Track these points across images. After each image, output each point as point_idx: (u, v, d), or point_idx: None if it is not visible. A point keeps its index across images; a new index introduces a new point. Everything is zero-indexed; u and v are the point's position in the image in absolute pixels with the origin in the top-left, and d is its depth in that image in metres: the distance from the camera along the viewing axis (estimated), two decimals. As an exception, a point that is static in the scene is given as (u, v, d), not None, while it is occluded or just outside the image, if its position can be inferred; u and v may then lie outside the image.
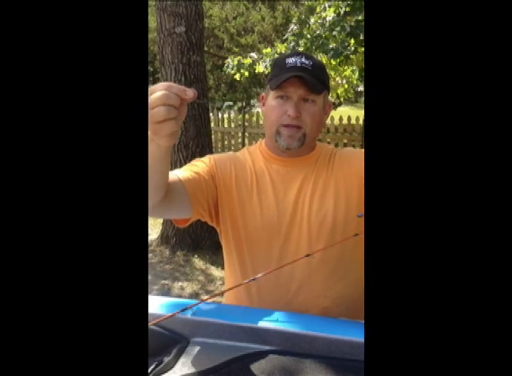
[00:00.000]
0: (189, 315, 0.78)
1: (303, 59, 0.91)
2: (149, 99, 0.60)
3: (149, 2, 7.77)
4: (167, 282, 2.89)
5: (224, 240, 1.02)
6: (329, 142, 6.02)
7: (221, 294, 0.81)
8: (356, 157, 0.97)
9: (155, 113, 0.59)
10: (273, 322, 0.79)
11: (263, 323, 0.78)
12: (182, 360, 0.70)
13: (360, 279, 1.00)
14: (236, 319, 0.79)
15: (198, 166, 0.96)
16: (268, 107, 0.94)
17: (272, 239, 0.94)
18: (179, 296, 2.63)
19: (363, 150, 1.01)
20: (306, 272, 0.94)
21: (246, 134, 6.58)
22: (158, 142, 0.65)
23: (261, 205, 0.94)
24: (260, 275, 0.79)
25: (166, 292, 2.73)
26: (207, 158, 1.00)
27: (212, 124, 6.56)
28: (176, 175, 0.90)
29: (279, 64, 0.93)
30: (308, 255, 0.81)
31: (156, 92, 0.60)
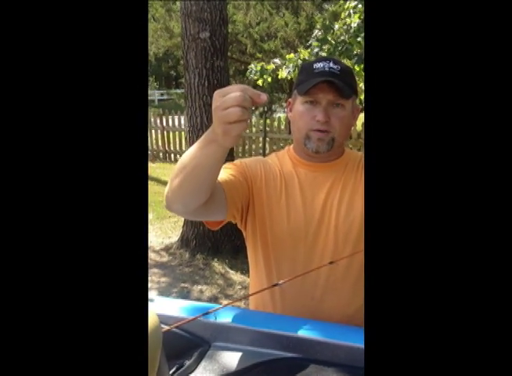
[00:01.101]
0: (211, 319, 0.78)
1: (331, 64, 0.90)
2: (222, 100, 0.62)
3: (174, 7, 7.90)
4: (186, 285, 2.91)
5: (250, 243, 1.01)
6: (351, 148, 5.97)
7: (245, 298, 0.81)
8: None
9: (230, 113, 0.61)
10: (296, 329, 0.78)
11: (285, 330, 0.77)
12: (203, 364, 0.69)
13: None
14: (259, 325, 0.78)
15: (232, 168, 0.96)
16: (297, 112, 0.93)
17: (298, 243, 0.94)
18: (198, 299, 2.64)
19: None
20: (331, 279, 0.93)
21: (268, 139, 6.58)
22: (223, 143, 0.67)
23: (288, 209, 0.94)
24: (282, 281, 0.78)
25: (185, 295, 2.74)
26: (238, 161, 1.00)
27: (234, 129, 6.58)
28: None
29: (306, 69, 0.93)
30: (331, 263, 0.81)
31: (232, 92, 0.61)
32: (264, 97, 0.62)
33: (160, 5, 7.86)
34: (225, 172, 0.93)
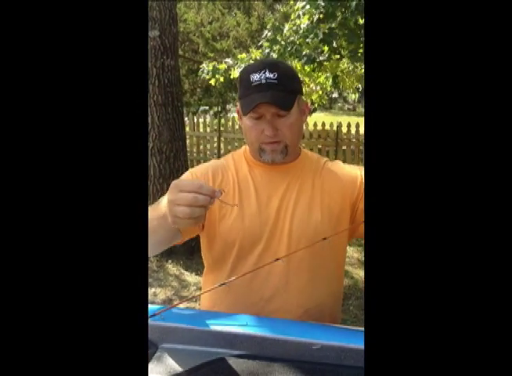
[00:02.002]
0: (158, 321, 0.77)
1: (267, 74, 0.88)
2: (175, 196, 0.68)
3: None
4: (139, 288, 2.85)
5: (204, 247, 1.01)
6: (303, 148, 6.08)
7: (191, 299, 0.81)
8: (344, 173, 0.99)
9: (179, 211, 0.67)
10: (242, 326, 0.79)
11: (232, 328, 0.78)
12: (150, 367, 0.69)
13: (338, 289, 1.02)
14: (206, 325, 0.78)
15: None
16: (245, 127, 0.94)
17: (252, 246, 0.94)
18: (152, 302, 2.59)
19: (351, 166, 1.03)
20: (282, 281, 0.94)
21: (222, 138, 6.57)
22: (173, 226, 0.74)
23: (243, 213, 0.94)
24: (229, 280, 0.79)
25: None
26: (188, 175, 0.99)
27: (187, 129, 6.52)
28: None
29: (244, 81, 0.91)
30: (277, 260, 0.82)
31: (187, 191, 0.68)
32: (218, 194, 0.68)
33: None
34: None
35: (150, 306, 0.90)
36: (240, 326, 0.79)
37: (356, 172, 0.99)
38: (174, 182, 0.71)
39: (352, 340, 0.73)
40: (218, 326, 0.78)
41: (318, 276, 0.96)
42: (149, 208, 0.84)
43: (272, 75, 0.88)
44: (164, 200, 0.79)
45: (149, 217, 0.79)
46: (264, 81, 0.88)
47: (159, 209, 0.82)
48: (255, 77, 0.89)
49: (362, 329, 0.79)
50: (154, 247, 0.90)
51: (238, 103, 0.96)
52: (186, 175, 1.00)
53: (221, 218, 0.95)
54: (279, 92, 0.88)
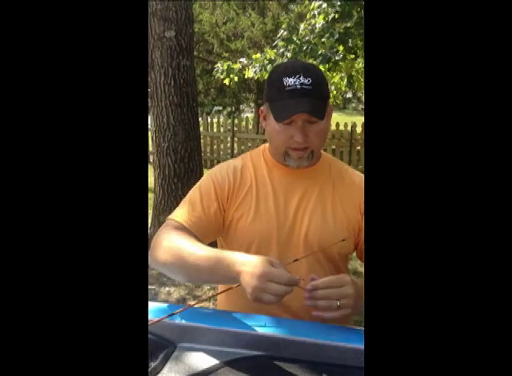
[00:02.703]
0: (176, 320, 0.78)
1: (301, 79, 0.85)
2: (266, 284, 0.71)
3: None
4: (153, 287, 2.86)
5: (221, 247, 1.02)
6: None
7: (209, 299, 0.81)
8: (361, 185, 0.98)
9: (265, 297, 0.71)
10: (261, 327, 0.78)
11: (250, 328, 0.78)
12: (168, 366, 0.69)
13: None
14: (224, 325, 0.78)
15: (204, 197, 0.96)
16: (273, 130, 0.91)
17: (269, 248, 0.94)
18: (166, 301, 2.61)
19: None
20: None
21: (236, 138, 6.59)
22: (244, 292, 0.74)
23: (260, 215, 0.94)
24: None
25: (153, 297, 2.70)
26: (209, 181, 0.98)
27: (201, 129, 6.54)
28: (179, 222, 0.92)
29: (277, 84, 0.88)
30: (296, 260, 0.81)
31: (279, 284, 0.71)
32: (299, 282, 0.73)
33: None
34: (199, 209, 0.94)
35: (168, 305, 0.90)
36: (259, 326, 0.79)
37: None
38: (265, 272, 0.72)
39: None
40: (236, 326, 0.78)
41: None
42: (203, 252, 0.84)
43: (306, 81, 0.85)
44: (230, 259, 0.79)
45: (197, 266, 0.82)
46: (299, 87, 0.85)
47: (217, 266, 0.80)
48: (289, 81, 0.85)
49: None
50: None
51: (265, 105, 0.93)
52: (207, 181, 0.98)
53: (239, 218, 0.95)
54: (314, 99, 0.85)
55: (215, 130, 6.75)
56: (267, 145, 1.02)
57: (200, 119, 6.52)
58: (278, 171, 0.97)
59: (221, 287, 1.04)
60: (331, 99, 4.99)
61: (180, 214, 0.94)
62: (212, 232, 0.96)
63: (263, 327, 0.78)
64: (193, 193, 0.98)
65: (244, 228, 0.94)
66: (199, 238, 0.90)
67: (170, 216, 0.95)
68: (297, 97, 0.85)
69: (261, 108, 0.97)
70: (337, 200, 0.96)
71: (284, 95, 0.86)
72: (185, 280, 0.91)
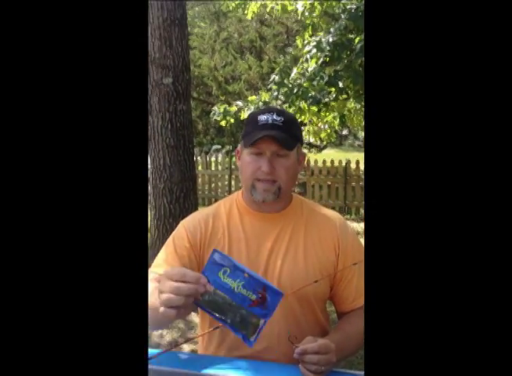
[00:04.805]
0: (154, 365, 0.79)
1: (274, 116, 0.93)
2: (161, 284, 0.67)
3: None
4: (149, 328, 2.85)
5: None
6: (313, 185, 6.15)
7: (180, 344, 0.85)
8: (334, 228, 1.00)
9: (162, 298, 0.65)
10: (234, 370, 0.81)
11: (223, 372, 0.79)
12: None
13: (325, 335, 1.00)
14: (198, 368, 0.80)
15: (178, 246, 0.97)
16: (244, 162, 0.96)
17: None
18: (158, 344, 2.58)
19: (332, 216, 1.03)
20: (274, 330, 0.93)
21: (233, 176, 6.69)
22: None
23: None
24: (219, 326, 0.82)
25: (148, 338, 2.68)
26: (181, 229, 1.00)
27: (200, 168, 6.67)
28: (159, 274, 0.89)
29: (251, 121, 0.96)
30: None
31: (171, 278, 0.66)
32: (203, 280, 0.66)
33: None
34: (171, 256, 0.96)
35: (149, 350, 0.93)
36: (232, 369, 0.81)
37: (335, 227, 1.00)
38: (164, 272, 0.70)
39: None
40: (213, 370, 0.81)
41: (305, 325, 0.97)
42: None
43: (278, 118, 0.94)
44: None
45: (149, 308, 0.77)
46: (270, 122, 0.93)
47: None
48: (263, 118, 0.94)
49: (356, 372, 0.82)
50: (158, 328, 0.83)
51: (239, 143, 1.00)
52: (179, 230, 1.01)
53: None
54: (284, 133, 0.92)
55: (213, 168, 6.86)
56: (240, 191, 1.05)
57: (198, 158, 6.67)
58: (250, 217, 0.99)
59: (202, 329, 1.06)
60: (325, 136, 5.13)
61: (158, 264, 0.97)
62: None
63: (236, 369, 0.81)
64: (168, 243, 1.01)
65: None
66: None
67: (151, 267, 0.97)
68: (268, 129, 0.92)
69: (237, 148, 1.03)
70: (309, 243, 0.98)
71: (256, 128, 0.94)
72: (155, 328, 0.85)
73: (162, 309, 0.66)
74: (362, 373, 0.76)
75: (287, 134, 0.93)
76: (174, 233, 1.03)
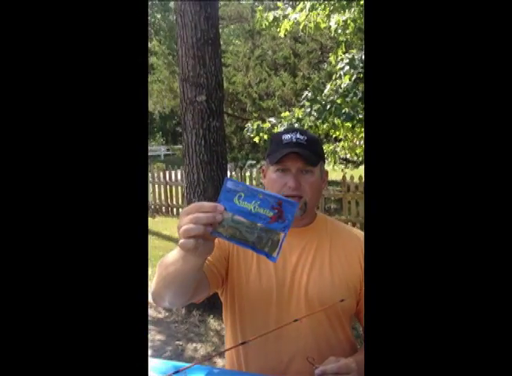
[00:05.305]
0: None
1: (298, 135, 0.97)
2: (180, 219, 0.67)
3: (177, 69, 8.36)
4: (181, 343, 2.87)
5: (225, 307, 1.04)
6: (349, 201, 6.04)
7: (208, 359, 0.84)
8: (359, 244, 1.01)
9: (182, 230, 0.65)
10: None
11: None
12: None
13: (353, 352, 0.99)
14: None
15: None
16: (270, 180, 0.99)
17: (269, 308, 0.96)
18: (192, 358, 2.59)
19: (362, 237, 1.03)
20: (300, 343, 0.94)
21: (267, 192, 6.67)
22: (191, 257, 0.71)
23: (259, 274, 0.97)
24: (248, 340, 0.81)
25: (179, 353, 2.70)
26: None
27: (234, 183, 6.69)
28: None
29: (276, 141, 1.00)
30: (295, 320, 0.84)
31: (188, 211, 0.66)
32: (220, 208, 0.65)
33: (164, 68, 8.32)
34: None
35: (175, 363, 0.94)
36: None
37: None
38: (182, 210, 0.70)
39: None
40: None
41: (334, 340, 0.96)
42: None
43: (302, 137, 0.97)
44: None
45: (171, 261, 0.78)
46: (294, 140, 0.96)
47: (178, 249, 0.75)
48: (286, 137, 0.97)
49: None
50: (181, 293, 0.83)
51: (266, 161, 1.03)
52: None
53: (239, 277, 0.98)
54: (308, 150, 0.95)
55: (248, 183, 6.89)
56: None
57: (233, 173, 6.73)
58: None
59: (226, 345, 1.06)
60: (361, 152, 5.06)
61: None
62: (217, 276, 0.97)
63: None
64: None
65: (246, 288, 0.97)
66: (208, 279, 0.92)
67: None
68: (292, 147, 0.95)
69: (263, 167, 1.06)
70: (335, 257, 0.99)
71: (281, 146, 0.96)
72: (173, 286, 0.82)
73: (182, 240, 0.65)
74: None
75: (311, 151, 0.96)
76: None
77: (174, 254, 0.78)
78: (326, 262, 0.98)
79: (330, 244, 1.01)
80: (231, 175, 6.71)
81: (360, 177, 6.17)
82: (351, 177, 6.13)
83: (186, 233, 0.65)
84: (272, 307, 0.96)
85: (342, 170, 7.40)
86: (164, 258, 0.83)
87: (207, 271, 0.93)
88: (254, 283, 0.97)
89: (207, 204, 0.66)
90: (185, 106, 3.22)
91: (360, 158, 5.63)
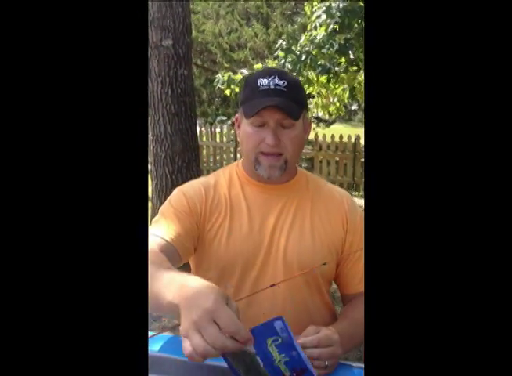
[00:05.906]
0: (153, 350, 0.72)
1: (276, 80, 0.82)
2: (205, 324, 0.50)
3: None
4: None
5: (194, 270, 0.94)
6: (320, 161, 6.00)
7: (172, 328, 0.74)
8: (340, 201, 0.94)
9: (195, 342, 0.50)
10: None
11: (218, 360, 0.71)
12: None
13: (333, 320, 0.93)
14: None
15: (178, 211, 0.87)
16: (244, 133, 0.86)
17: (245, 271, 0.87)
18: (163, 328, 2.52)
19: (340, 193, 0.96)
20: (278, 308, 0.86)
21: (238, 148, 6.55)
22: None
23: (234, 236, 0.87)
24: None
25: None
26: (180, 195, 0.90)
27: (204, 139, 6.53)
28: (162, 238, 0.81)
29: (251, 85, 0.85)
30: (272, 285, 0.75)
31: (221, 324, 0.50)
32: (251, 342, 0.52)
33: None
34: (173, 221, 0.85)
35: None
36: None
37: (343, 202, 0.94)
38: (209, 306, 0.51)
39: None
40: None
41: (313, 306, 0.90)
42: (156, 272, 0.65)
43: (281, 82, 0.83)
44: (183, 280, 0.61)
45: (157, 286, 0.62)
46: (272, 87, 0.82)
47: (172, 286, 0.60)
48: (263, 82, 0.83)
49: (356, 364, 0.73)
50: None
51: (239, 109, 0.89)
52: (178, 195, 0.91)
53: (212, 239, 0.88)
54: (288, 100, 0.82)
55: (218, 140, 6.72)
56: (240, 161, 0.96)
57: (203, 129, 6.52)
58: (252, 188, 0.91)
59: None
60: (334, 110, 4.96)
61: (160, 229, 0.85)
62: (190, 248, 0.88)
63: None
64: (166, 209, 0.90)
65: (218, 250, 0.88)
66: (180, 255, 0.83)
67: (152, 230, 0.85)
68: (270, 95, 0.81)
69: (236, 115, 0.93)
70: (316, 218, 0.90)
71: (256, 94, 0.82)
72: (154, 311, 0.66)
73: (190, 351, 0.50)
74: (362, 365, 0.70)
75: (292, 101, 0.82)
76: (170, 198, 0.92)
77: (164, 295, 0.60)
78: (307, 224, 0.89)
79: (312, 203, 0.91)
80: (200, 131, 6.48)
81: (332, 136, 6.11)
82: (324, 136, 6.06)
83: (204, 353, 0.50)
84: (247, 272, 0.87)
85: (313, 129, 7.29)
86: (152, 283, 0.62)
87: (178, 246, 0.82)
88: (227, 246, 0.87)
89: (243, 333, 0.51)
90: (150, 50, 2.97)
91: (333, 117, 5.52)
